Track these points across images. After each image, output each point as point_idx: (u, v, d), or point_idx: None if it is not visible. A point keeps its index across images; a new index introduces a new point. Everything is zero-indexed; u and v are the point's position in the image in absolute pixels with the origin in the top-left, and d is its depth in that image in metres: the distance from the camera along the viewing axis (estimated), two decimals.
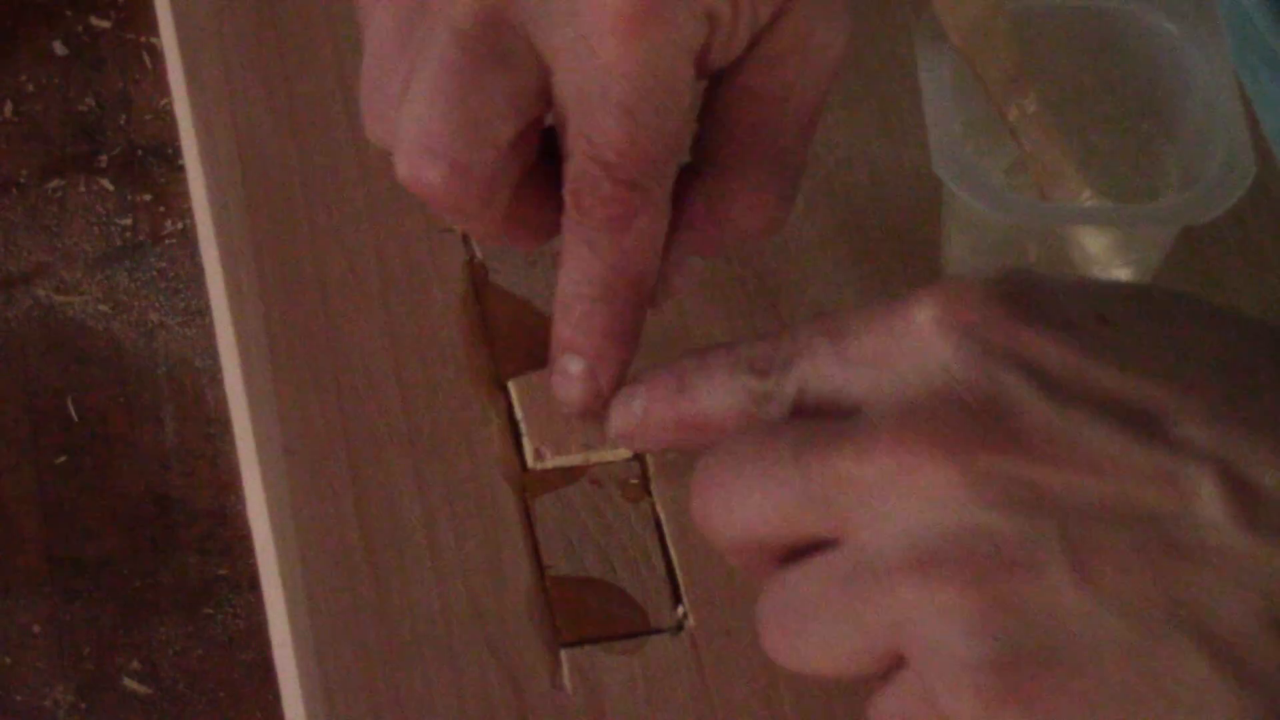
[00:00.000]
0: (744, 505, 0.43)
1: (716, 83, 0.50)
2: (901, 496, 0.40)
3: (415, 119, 0.47)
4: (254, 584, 0.61)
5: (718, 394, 0.46)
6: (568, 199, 0.49)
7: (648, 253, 0.49)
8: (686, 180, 0.51)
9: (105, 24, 1.61)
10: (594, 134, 0.47)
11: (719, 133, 0.50)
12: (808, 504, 0.42)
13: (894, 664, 0.41)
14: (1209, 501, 0.38)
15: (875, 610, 0.41)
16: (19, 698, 1.58)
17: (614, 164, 0.48)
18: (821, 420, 0.43)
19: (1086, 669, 0.39)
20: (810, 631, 0.42)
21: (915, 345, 0.41)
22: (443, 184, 0.47)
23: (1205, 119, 0.60)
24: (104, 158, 1.69)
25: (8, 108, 1.81)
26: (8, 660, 1.58)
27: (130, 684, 1.58)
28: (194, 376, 1.62)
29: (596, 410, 0.53)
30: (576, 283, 0.50)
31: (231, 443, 0.62)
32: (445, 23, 0.47)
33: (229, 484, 1.60)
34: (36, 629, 1.60)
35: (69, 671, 1.58)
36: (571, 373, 0.51)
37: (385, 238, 0.60)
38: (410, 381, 0.58)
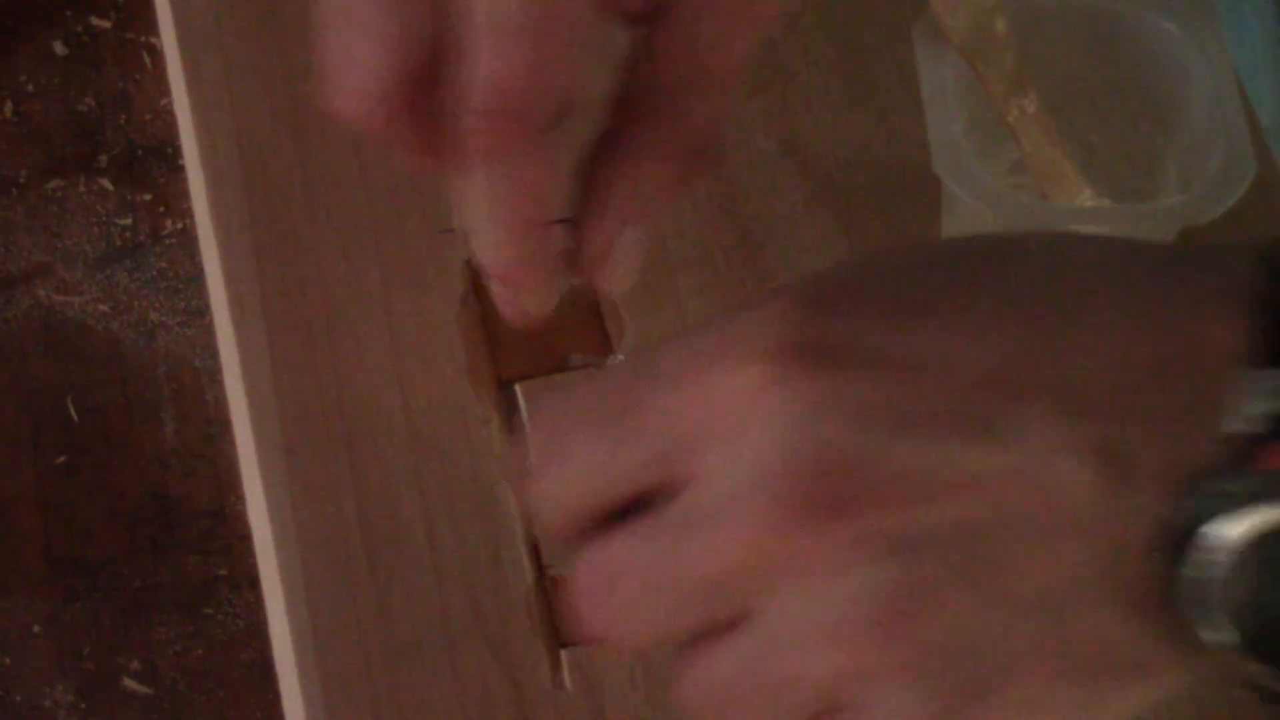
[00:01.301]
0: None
1: (642, 43, 0.48)
2: (781, 579, 0.40)
3: (331, 51, 0.47)
4: (254, 584, 0.61)
5: None
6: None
7: (532, 197, 0.48)
8: (606, 146, 0.49)
9: (105, 24, 1.61)
10: (473, 58, 0.46)
11: (635, 95, 0.49)
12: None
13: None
14: (1074, 481, 0.38)
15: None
16: (19, 698, 1.58)
17: (487, 91, 0.46)
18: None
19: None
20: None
21: (732, 423, 0.40)
22: (355, 109, 0.46)
23: (1205, 119, 0.60)
24: (104, 158, 1.69)
25: (8, 108, 1.81)
26: (8, 660, 1.58)
27: (130, 684, 1.58)
28: (194, 376, 1.62)
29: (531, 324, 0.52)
30: (473, 208, 0.49)
31: (231, 443, 0.62)
32: None
33: (229, 484, 1.60)
34: (36, 629, 1.60)
35: (69, 671, 1.58)
36: (499, 293, 0.50)
37: (385, 238, 0.60)
38: (410, 381, 0.58)
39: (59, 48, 1.79)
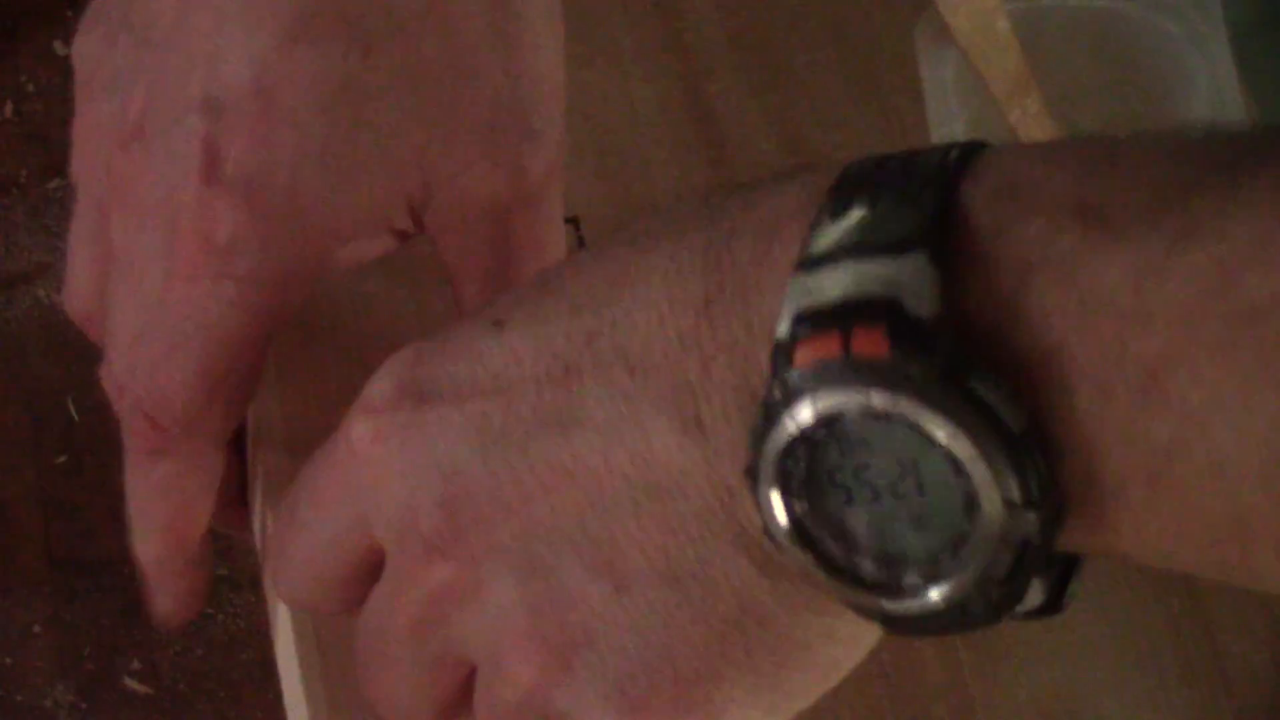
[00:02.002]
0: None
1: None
2: (454, 617, 0.41)
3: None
4: (254, 584, 0.61)
5: None
6: None
7: (177, 506, 0.51)
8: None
9: None
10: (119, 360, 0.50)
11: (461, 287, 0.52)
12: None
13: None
14: (657, 442, 0.38)
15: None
16: (19, 698, 1.58)
17: (132, 395, 0.50)
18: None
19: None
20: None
21: (359, 481, 0.42)
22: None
23: (1205, 119, 0.60)
24: None
25: (8, 108, 1.81)
26: (8, 660, 1.58)
27: (130, 684, 1.58)
28: None
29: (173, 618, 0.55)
30: (129, 501, 0.52)
31: None
32: None
33: None
34: (37, 629, 1.60)
35: (69, 671, 1.58)
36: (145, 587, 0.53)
37: None
38: None
39: (59, 48, 1.79)
